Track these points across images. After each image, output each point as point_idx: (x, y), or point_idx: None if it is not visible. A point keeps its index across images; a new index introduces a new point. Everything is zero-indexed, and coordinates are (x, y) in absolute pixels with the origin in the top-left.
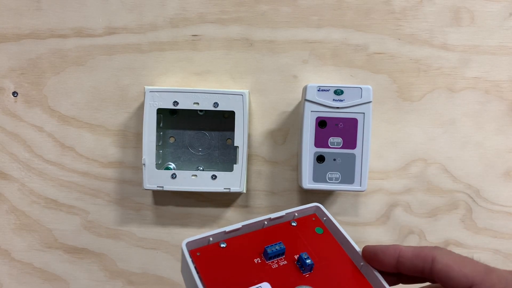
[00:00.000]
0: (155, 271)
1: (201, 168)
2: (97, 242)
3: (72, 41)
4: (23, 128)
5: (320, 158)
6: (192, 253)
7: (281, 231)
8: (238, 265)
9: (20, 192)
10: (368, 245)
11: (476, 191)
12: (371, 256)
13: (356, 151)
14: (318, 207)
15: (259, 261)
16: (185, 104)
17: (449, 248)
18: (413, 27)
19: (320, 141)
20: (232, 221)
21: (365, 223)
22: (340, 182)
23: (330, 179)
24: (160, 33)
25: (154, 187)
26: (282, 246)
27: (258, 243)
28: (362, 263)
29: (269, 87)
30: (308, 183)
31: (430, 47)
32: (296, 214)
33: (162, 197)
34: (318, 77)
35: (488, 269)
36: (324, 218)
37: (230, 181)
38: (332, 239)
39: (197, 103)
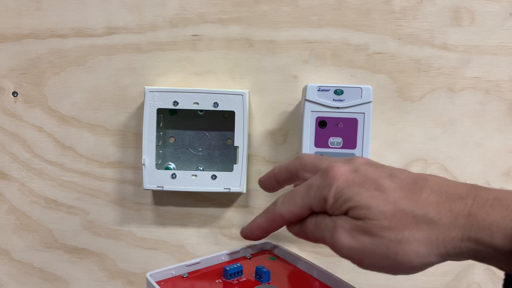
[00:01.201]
0: None
1: (201, 168)
2: (97, 242)
3: (72, 41)
4: (23, 128)
5: None
6: (158, 283)
7: (237, 260)
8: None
9: (20, 192)
10: (259, 179)
11: None
12: (261, 186)
13: (356, 151)
14: (269, 243)
15: (220, 282)
16: (185, 104)
17: None
18: (413, 27)
19: (320, 141)
20: (232, 221)
21: None
22: None
23: None
24: (160, 33)
25: (154, 187)
26: (239, 265)
27: (218, 270)
28: (315, 271)
29: (269, 87)
30: None
31: (430, 47)
32: (250, 250)
33: (162, 197)
34: (318, 77)
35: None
36: (276, 250)
37: (230, 181)
38: (285, 261)
39: (197, 103)
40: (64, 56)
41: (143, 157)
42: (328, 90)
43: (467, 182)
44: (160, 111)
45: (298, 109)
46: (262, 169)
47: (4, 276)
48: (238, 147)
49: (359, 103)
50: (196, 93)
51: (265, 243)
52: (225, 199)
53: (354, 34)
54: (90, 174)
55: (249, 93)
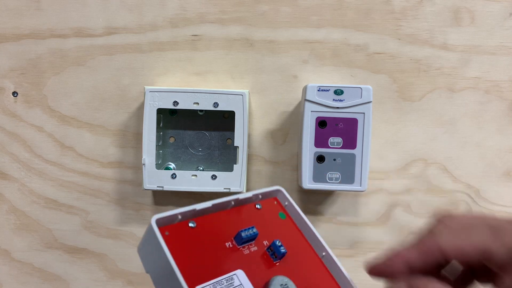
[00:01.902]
0: None
1: (201, 168)
2: (97, 242)
3: (72, 41)
4: (23, 128)
5: (320, 158)
6: (161, 231)
7: (247, 214)
8: (209, 248)
9: (20, 192)
10: (369, 264)
11: (476, 191)
12: (379, 274)
13: (356, 151)
14: (280, 190)
15: (230, 246)
16: (185, 104)
17: None
18: (413, 27)
19: (320, 141)
20: None
21: (365, 223)
22: (340, 182)
23: (330, 179)
24: (160, 33)
25: (154, 187)
26: (255, 231)
27: (228, 225)
28: (324, 253)
29: (269, 87)
30: (308, 183)
31: (430, 47)
32: (260, 196)
33: (162, 197)
34: (318, 77)
35: (493, 229)
36: (286, 203)
37: (230, 181)
38: (294, 226)
39: (197, 103)
40: (64, 56)
41: (143, 157)
42: (328, 90)
43: (467, 182)
44: (160, 111)
45: (298, 109)
46: (262, 169)
47: (4, 276)
48: (238, 147)
49: (359, 103)
50: (196, 93)
51: (277, 190)
52: None
53: (354, 34)
54: (90, 174)
55: (249, 93)
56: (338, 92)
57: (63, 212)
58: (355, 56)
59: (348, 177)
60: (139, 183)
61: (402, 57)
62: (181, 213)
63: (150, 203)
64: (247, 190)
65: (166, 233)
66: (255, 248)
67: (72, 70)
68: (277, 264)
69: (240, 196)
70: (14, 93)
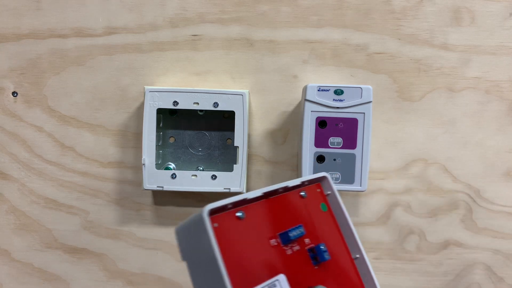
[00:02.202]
0: (155, 271)
1: (201, 168)
2: (97, 242)
3: (72, 41)
4: (23, 128)
5: (320, 158)
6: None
7: (293, 203)
8: (255, 245)
9: (20, 192)
10: None
11: (476, 191)
12: None
13: (356, 151)
14: (326, 177)
15: (275, 244)
16: (185, 104)
17: (449, 248)
18: (413, 27)
19: (320, 141)
20: None
21: (365, 223)
22: (340, 182)
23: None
24: (160, 33)
25: (154, 187)
26: (302, 231)
27: (274, 217)
28: (358, 256)
29: (269, 87)
30: None
31: (431, 47)
32: (306, 183)
33: (162, 197)
34: (318, 77)
35: None
36: (329, 192)
37: (230, 181)
38: (333, 221)
39: (197, 103)
40: (64, 56)
41: (143, 157)
42: (328, 90)
43: (468, 182)
44: (160, 111)
45: (298, 109)
46: (262, 169)
47: (4, 276)
48: (238, 147)
49: (359, 103)
50: (196, 93)
51: (322, 177)
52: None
53: (354, 34)
54: (90, 174)
55: (249, 93)
56: (338, 92)
57: (63, 212)
58: (355, 56)
59: (348, 177)
60: (139, 183)
61: (402, 57)
62: (232, 203)
63: (150, 203)
64: (247, 190)
65: (215, 224)
66: (298, 247)
67: (72, 70)
68: (316, 268)
69: (289, 184)
70: (14, 93)
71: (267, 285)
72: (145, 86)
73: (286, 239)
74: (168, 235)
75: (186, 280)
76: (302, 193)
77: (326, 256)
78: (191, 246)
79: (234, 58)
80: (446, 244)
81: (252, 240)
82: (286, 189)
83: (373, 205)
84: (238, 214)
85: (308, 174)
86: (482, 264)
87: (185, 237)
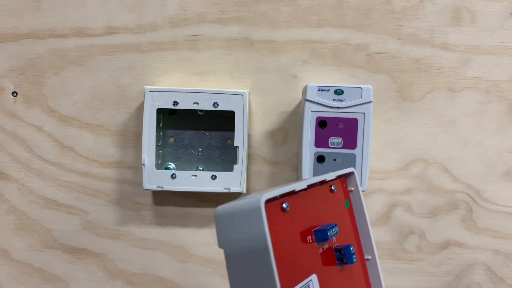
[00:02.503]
0: (155, 271)
1: (201, 168)
2: (97, 242)
3: (72, 41)
4: (22, 128)
5: (320, 158)
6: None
7: (325, 198)
8: (295, 241)
9: (20, 192)
10: None
11: (476, 191)
12: None
13: (356, 151)
14: (353, 173)
15: (310, 240)
16: (185, 104)
17: (449, 249)
18: (414, 27)
19: (320, 141)
20: None
21: None
22: None
23: None
24: (160, 33)
25: (154, 187)
26: (337, 230)
27: (311, 212)
28: (370, 257)
29: (269, 87)
30: None
31: (431, 47)
32: (336, 177)
33: (162, 197)
34: (318, 77)
35: None
36: (352, 189)
37: (230, 181)
38: (353, 219)
39: (197, 103)
40: (64, 56)
41: (143, 157)
42: (328, 90)
43: (468, 182)
44: (160, 111)
45: (298, 109)
46: (262, 169)
47: (4, 276)
48: (238, 147)
49: (359, 103)
50: (196, 93)
51: (350, 172)
52: (225, 199)
53: (354, 34)
54: (90, 174)
55: (249, 93)
56: (338, 92)
57: (63, 212)
58: (355, 56)
59: None
60: (139, 183)
61: (402, 57)
62: (281, 194)
63: (149, 203)
64: (247, 190)
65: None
66: (326, 246)
67: (72, 70)
68: (339, 269)
69: (327, 178)
70: (14, 93)
71: (303, 285)
72: (145, 86)
73: (322, 237)
74: (168, 235)
75: (186, 280)
76: (332, 187)
77: (354, 258)
78: (235, 235)
79: (234, 58)
80: (446, 244)
81: (292, 234)
82: (323, 183)
83: (373, 205)
84: (284, 205)
85: (308, 175)
86: (482, 264)
87: (230, 224)
